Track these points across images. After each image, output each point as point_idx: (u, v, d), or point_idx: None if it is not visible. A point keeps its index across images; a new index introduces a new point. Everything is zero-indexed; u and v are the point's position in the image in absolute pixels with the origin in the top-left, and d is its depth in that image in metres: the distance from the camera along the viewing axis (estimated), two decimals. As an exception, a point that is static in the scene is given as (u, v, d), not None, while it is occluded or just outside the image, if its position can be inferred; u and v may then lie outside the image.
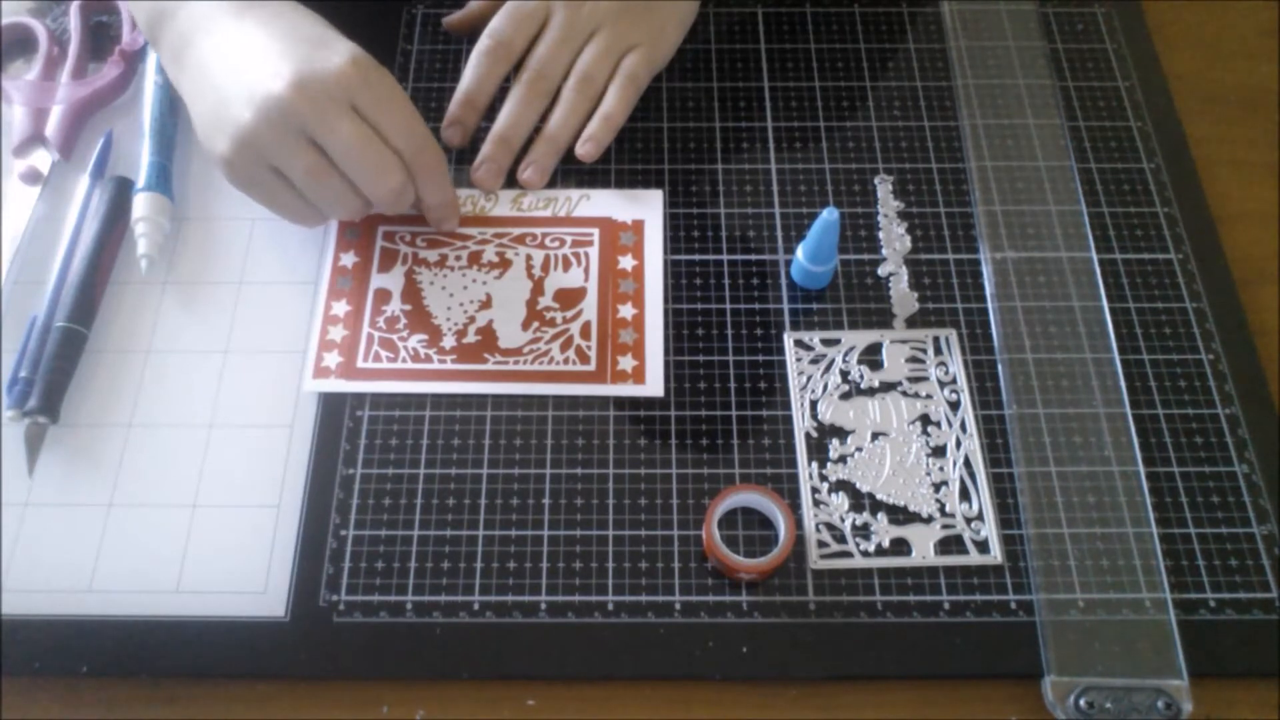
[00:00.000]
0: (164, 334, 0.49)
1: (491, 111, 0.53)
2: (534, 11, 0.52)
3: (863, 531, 0.44)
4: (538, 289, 0.50)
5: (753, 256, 0.51)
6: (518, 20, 0.52)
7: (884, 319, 0.49)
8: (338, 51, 0.44)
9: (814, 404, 0.47)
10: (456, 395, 0.47)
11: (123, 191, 0.51)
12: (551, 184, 0.53)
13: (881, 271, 0.51)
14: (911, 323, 0.49)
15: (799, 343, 0.48)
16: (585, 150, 0.52)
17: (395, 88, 0.45)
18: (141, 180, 0.51)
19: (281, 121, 0.43)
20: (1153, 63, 0.57)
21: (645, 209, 0.52)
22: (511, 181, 0.53)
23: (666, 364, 0.48)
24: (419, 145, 0.46)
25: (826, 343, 0.48)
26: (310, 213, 0.47)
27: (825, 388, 0.47)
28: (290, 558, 0.43)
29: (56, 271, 0.49)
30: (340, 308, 0.49)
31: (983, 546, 0.43)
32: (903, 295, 0.50)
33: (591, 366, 0.48)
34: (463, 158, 0.54)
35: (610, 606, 0.42)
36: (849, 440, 0.46)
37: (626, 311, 0.49)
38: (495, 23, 0.52)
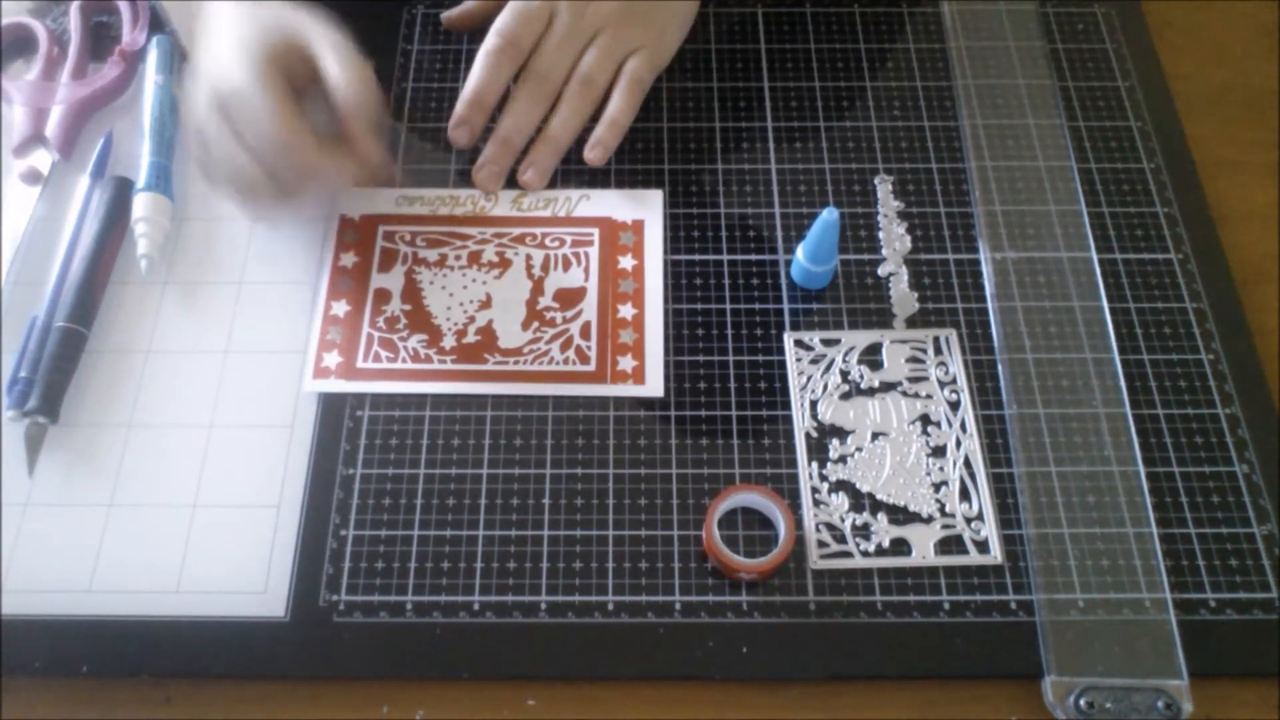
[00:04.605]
0: (164, 334, 0.49)
1: (494, 111, 0.53)
2: (540, 11, 0.51)
3: (863, 531, 0.44)
4: (538, 289, 0.50)
5: (753, 256, 0.51)
6: (524, 20, 0.51)
7: (884, 319, 0.49)
8: (233, 72, 0.45)
9: (814, 404, 0.47)
10: (456, 395, 0.47)
11: (123, 191, 0.51)
12: (551, 184, 0.53)
13: (881, 271, 0.50)
14: (911, 323, 0.49)
15: (799, 343, 0.48)
16: (593, 155, 0.52)
17: (254, 104, 0.44)
18: (141, 180, 0.51)
19: (209, 143, 0.46)
20: (1153, 63, 0.57)
21: (645, 209, 0.52)
22: (511, 182, 0.53)
23: (666, 364, 0.48)
24: (274, 164, 0.45)
25: (826, 343, 0.48)
26: (278, 193, 0.47)
27: (825, 388, 0.47)
28: (290, 558, 0.43)
29: (56, 271, 0.49)
30: (340, 308, 0.49)
31: (983, 546, 0.43)
32: (903, 295, 0.50)
33: (591, 366, 0.48)
34: (463, 159, 0.54)
35: (610, 606, 0.42)
36: (849, 440, 0.46)
37: (626, 311, 0.49)
38: (502, 22, 0.51)
